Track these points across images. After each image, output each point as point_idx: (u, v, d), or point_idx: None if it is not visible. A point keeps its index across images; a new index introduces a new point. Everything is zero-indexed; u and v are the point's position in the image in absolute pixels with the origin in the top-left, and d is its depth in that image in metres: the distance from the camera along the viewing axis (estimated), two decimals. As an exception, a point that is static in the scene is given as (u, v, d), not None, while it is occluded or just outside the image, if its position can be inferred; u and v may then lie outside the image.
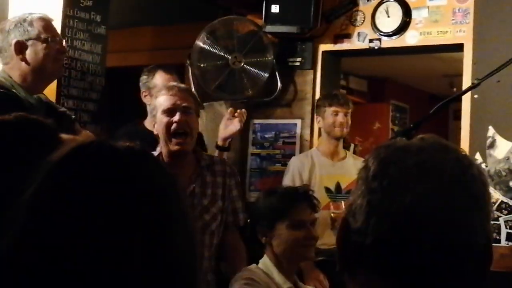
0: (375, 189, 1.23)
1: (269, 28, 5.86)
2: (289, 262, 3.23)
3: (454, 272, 1.22)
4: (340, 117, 5.17)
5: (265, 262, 3.20)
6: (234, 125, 4.36)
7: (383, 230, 1.22)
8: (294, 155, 5.89)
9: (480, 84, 3.21)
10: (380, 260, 1.23)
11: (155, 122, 3.61)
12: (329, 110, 5.19)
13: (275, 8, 5.80)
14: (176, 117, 3.51)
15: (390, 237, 1.22)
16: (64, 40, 3.67)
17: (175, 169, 3.32)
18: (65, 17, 4.98)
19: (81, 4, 5.09)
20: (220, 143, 4.40)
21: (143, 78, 4.86)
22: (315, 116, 5.51)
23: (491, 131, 5.15)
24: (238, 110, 4.41)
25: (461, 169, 1.24)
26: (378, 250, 1.23)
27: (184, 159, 3.63)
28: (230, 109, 4.48)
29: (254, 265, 3.26)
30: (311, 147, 5.88)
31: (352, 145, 7.89)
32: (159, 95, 3.65)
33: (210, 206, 3.67)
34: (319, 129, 5.75)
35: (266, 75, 5.87)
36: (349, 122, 5.22)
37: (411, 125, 2.99)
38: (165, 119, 3.53)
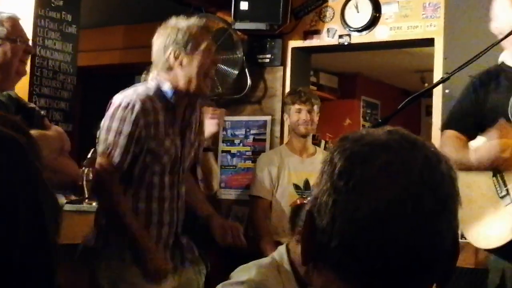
0: (341, 189, 1.20)
1: (238, 25, 5.84)
2: None
3: (418, 277, 1.21)
4: (303, 115, 5.14)
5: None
6: (213, 126, 4.31)
7: (348, 235, 1.20)
8: (264, 152, 5.87)
9: (450, 78, 3.18)
10: (343, 263, 1.21)
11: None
12: (293, 108, 5.17)
13: (244, 5, 5.78)
14: None
15: (355, 242, 1.19)
16: (30, 40, 3.64)
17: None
18: (37, 16, 4.98)
19: (52, 4, 5.09)
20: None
21: (143, 77, 4.80)
22: (284, 114, 5.47)
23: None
24: (217, 110, 4.35)
25: (430, 169, 1.21)
26: (342, 253, 1.21)
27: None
28: (210, 109, 4.42)
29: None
30: (281, 143, 5.86)
31: (323, 142, 7.88)
32: None
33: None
34: (289, 125, 5.73)
35: (236, 72, 5.85)
36: (315, 119, 5.18)
37: (380, 120, 2.95)
38: None
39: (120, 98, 3.38)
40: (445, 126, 3.66)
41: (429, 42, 5.42)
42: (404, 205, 1.18)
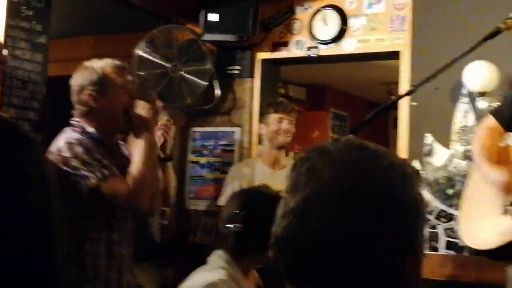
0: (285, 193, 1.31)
1: (207, 37, 5.86)
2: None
3: (341, 272, 1.23)
4: (285, 124, 5.15)
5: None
6: (158, 137, 4.31)
7: (278, 232, 1.29)
8: (233, 163, 5.89)
9: (416, 90, 3.23)
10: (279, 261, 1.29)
11: None
12: (274, 117, 5.16)
13: (213, 17, 5.80)
14: None
15: (281, 240, 1.29)
16: (5, 50, 3.64)
17: None
18: (7, 26, 4.96)
19: (22, 14, 5.07)
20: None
21: None
22: (259, 124, 5.45)
23: (429, 138, 5.19)
24: (160, 122, 4.34)
25: (387, 192, 1.25)
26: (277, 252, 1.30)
27: None
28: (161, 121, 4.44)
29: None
30: (250, 155, 5.89)
31: (292, 154, 7.91)
32: None
33: None
34: (259, 137, 5.73)
35: (205, 83, 5.87)
36: (293, 131, 5.21)
37: (348, 132, 2.99)
38: None
39: (57, 145, 3.42)
40: (492, 112, 3.84)
41: (396, 54, 5.45)
42: (319, 200, 1.23)
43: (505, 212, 3.41)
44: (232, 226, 3.00)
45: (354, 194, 1.22)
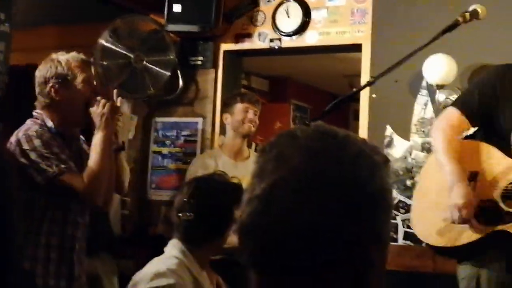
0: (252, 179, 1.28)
1: (171, 27, 5.87)
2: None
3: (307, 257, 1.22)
4: (251, 114, 5.16)
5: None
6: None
7: (246, 217, 1.26)
8: (195, 153, 5.91)
9: (376, 82, 3.26)
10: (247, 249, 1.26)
11: None
12: (240, 106, 5.16)
13: (177, 8, 5.80)
14: None
15: (249, 225, 1.25)
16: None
17: None
18: (-31, 15, 4.90)
19: (-16, 2, 5.00)
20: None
21: None
22: (223, 114, 5.43)
23: (388, 130, 5.25)
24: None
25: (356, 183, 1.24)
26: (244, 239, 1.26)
27: None
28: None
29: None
30: (212, 145, 5.90)
31: (254, 144, 7.94)
32: None
33: None
34: (221, 127, 5.76)
35: (168, 73, 5.87)
36: (257, 122, 5.23)
37: (307, 123, 3.02)
38: None
39: (16, 137, 3.43)
40: (454, 102, 3.61)
41: (357, 47, 5.50)
42: (286, 187, 1.22)
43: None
44: (183, 215, 2.98)
45: (321, 182, 1.21)
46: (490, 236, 3.29)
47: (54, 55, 3.55)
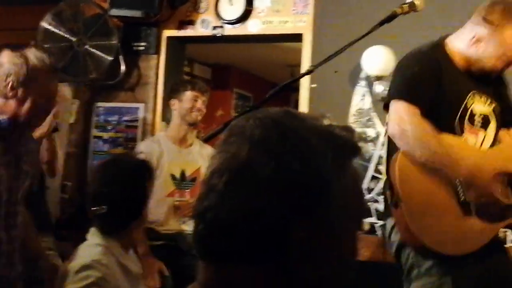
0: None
1: (114, 12, 5.85)
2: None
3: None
4: (199, 103, 5.14)
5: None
6: None
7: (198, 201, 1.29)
8: (136, 139, 5.92)
9: (314, 71, 3.28)
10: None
11: None
12: (190, 94, 5.13)
13: (120, -8, 5.79)
14: None
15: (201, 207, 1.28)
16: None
17: None
18: None
19: None
20: None
21: None
22: (171, 100, 5.38)
23: (327, 120, 5.32)
24: None
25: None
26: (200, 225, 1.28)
27: None
28: None
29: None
30: (153, 131, 5.91)
31: (195, 132, 7.97)
32: None
33: None
34: (162, 114, 5.78)
35: (110, 58, 5.86)
36: (204, 111, 5.21)
37: (248, 109, 3.05)
38: None
39: None
40: (403, 96, 3.18)
41: (299, 37, 5.55)
42: (239, 179, 1.25)
43: (467, 212, 3.13)
44: (97, 209, 2.95)
45: (252, 173, 1.23)
46: None
47: (20, 52, 3.48)
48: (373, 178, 5.13)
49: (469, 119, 3.27)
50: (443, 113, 3.23)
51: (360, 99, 5.25)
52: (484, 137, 3.34)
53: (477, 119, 3.31)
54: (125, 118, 6.15)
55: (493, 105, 3.38)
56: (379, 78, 5.07)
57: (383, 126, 5.13)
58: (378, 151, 5.16)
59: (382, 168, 5.07)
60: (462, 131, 3.25)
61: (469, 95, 3.28)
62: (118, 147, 6.14)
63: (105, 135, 6.22)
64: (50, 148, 4.34)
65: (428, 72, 3.26)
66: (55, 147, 4.48)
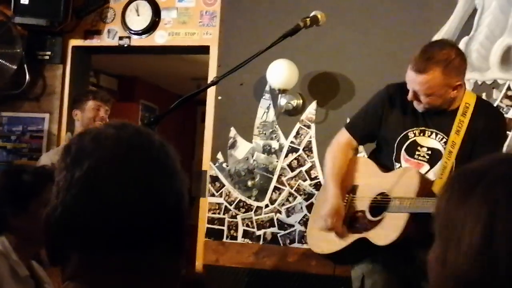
0: (66, 167, 1.36)
1: (18, 20, 5.77)
2: (33, 245, 3.09)
3: (145, 229, 1.32)
4: (102, 112, 5.16)
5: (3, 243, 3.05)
6: None
7: (68, 202, 1.33)
8: (41, 149, 5.84)
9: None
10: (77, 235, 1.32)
11: None
12: (92, 104, 5.14)
13: (24, 0, 5.71)
14: None
15: (73, 208, 1.33)
16: None
17: None
18: None
19: None
20: None
21: None
22: (73, 110, 5.35)
23: (232, 132, 5.38)
24: None
25: (141, 141, 1.39)
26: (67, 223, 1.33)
27: None
28: None
29: None
30: (58, 142, 5.85)
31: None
32: None
33: None
34: (68, 124, 5.73)
35: (14, 67, 5.77)
36: (107, 120, 5.20)
37: (152, 119, 3.09)
38: None
39: None
40: (346, 125, 3.94)
41: (205, 49, 5.58)
42: (112, 166, 1.33)
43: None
44: None
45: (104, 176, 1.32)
46: (357, 242, 3.58)
47: None
48: (276, 189, 5.22)
49: (406, 150, 3.63)
50: (384, 144, 3.74)
51: (265, 112, 5.32)
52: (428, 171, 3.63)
53: (421, 151, 3.62)
54: (30, 128, 6.06)
55: (444, 140, 3.60)
56: (283, 91, 5.14)
57: (286, 139, 5.23)
58: (280, 163, 5.24)
59: (284, 179, 5.18)
60: (398, 161, 3.65)
61: (412, 129, 3.63)
62: (22, 158, 6.05)
63: (9, 145, 6.12)
64: None
65: (371, 110, 3.77)
66: None
